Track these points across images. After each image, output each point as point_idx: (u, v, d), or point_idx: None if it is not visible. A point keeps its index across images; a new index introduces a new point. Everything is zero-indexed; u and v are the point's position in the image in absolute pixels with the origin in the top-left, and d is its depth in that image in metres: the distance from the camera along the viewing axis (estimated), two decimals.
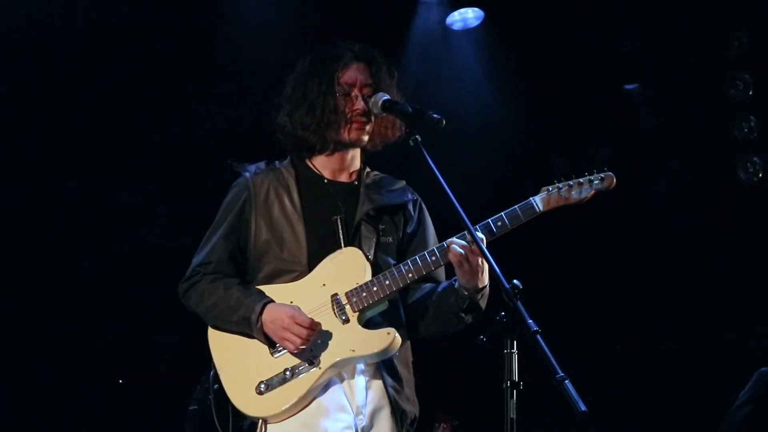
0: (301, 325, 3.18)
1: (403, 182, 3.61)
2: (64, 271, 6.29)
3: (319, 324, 3.23)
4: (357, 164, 3.53)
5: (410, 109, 3.18)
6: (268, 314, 3.22)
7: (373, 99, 3.32)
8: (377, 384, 3.30)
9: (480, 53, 7.10)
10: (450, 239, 3.24)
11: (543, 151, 7.19)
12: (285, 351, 3.24)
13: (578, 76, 6.91)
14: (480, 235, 3.14)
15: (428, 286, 3.47)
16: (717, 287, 6.86)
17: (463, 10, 6.95)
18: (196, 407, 5.29)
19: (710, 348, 6.79)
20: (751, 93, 6.80)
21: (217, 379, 3.30)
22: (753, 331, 6.56)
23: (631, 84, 7.25)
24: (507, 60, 7.07)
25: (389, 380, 3.30)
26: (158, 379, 6.27)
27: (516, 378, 2.75)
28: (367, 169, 3.57)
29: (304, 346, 3.20)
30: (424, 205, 3.60)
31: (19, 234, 6.23)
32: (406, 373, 3.40)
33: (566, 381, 2.51)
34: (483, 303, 3.32)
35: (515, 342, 2.77)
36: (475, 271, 3.18)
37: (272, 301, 3.27)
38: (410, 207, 3.55)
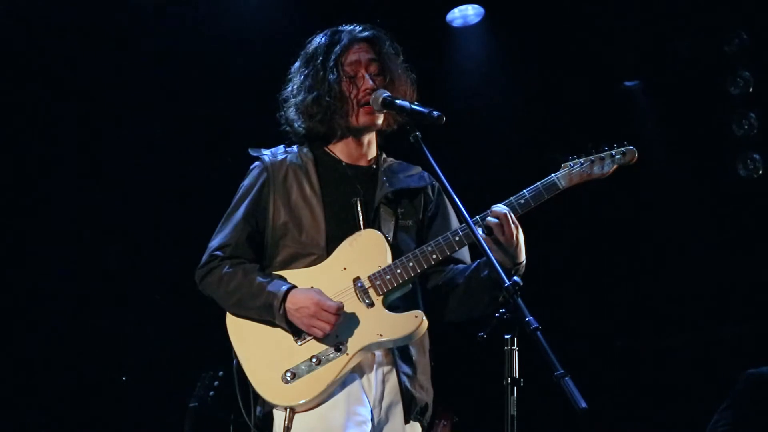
0: (328, 311, 3.11)
1: (419, 168, 3.56)
2: (64, 268, 6.29)
3: (343, 306, 3.15)
4: (374, 150, 3.50)
5: (410, 106, 3.15)
6: (292, 301, 3.13)
7: (373, 96, 3.29)
8: (392, 376, 3.25)
9: (479, 50, 7.10)
10: (480, 215, 3.20)
11: (542, 147, 7.18)
12: (310, 338, 3.17)
13: (578, 72, 6.91)
14: (482, 232, 3.14)
15: (458, 266, 3.41)
16: (716, 284, 6.87)
17: (463, 6, 6.94)
18: (196, 404, 5.31)
19: (709, 345, 6.79)
20: (751, 90, 6.81)
21: (240, 369, 3.20)
22: (753, 329, 6.57)
23: (631, 81, 7.25)
24: (506, 57, 7.07)
25: (404, 367, 3.25)
26: (159, 376, 6.28)
27: (516, 375, 2.74)
28: (384, 155, 3.54)
29: (330, 332, 3.13)
30: (442, 191, 3.51)
31: (17, 231, 6.23)
32: (423, 360, 3.34)
33: (566, 378, 2.50)
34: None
35: (516, 339, 2.76)
36: (509, 243, 3.15)
37: (295, 286, 3.18)
38: (429, 191, 3.52)
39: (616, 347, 7.31)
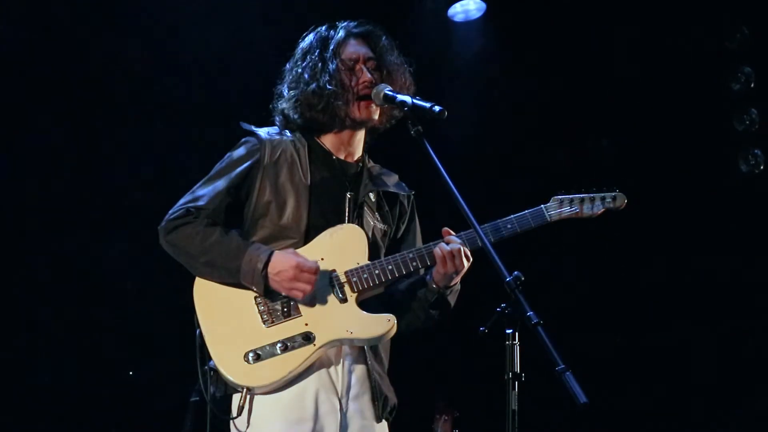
0: (308, 272, 3.11)
1: (397, 176, 3.60)
2: (68, 262, 6.30)
3: (319, 266, 3.15)
4: (361, 148, 3.51)
5: (412, 101, 3.15)
6: (272, 266, 3.12)
7: (374, 90, 3.31)
8: (361, 368, 3.27)
9: (481, 45, 7.10)
10: (451, 236, 3.23)
11: (543, 142, 7.18)
12: (279, 322, 3.16)
13: (579, 67, 6.90)
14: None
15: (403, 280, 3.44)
16: (717, 282, 6.86)
17: (464, 1, 6.94)
18: (197, 398, 5.31)
19: (710, 344, 6.79)
20: (752, 86, 6.81)
21: (201, 339, 3.15)
22: (756, 325, 6.57)
23: (630, 76, 7.23)
24: (508, 51, 7.06)
25: (375, 366, 3.28)
26: (161, 370, 6.29)
27: (517, 369, 2.75)
28: (367, 157, 3.56)
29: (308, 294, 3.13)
30: (415, 203, 3.60)
31: (21, 225, 6.23)
32: (386, 360, 3.38)
33: (567, 372, 2.51)
34: (452, 299, 3.34)
35: (517, 333, 2.77)
36: (455, 272, 3.21)
37: (274, 250, 3.17)
38: (405, 201, 3.56)
39: (616, 344, 7.30)
